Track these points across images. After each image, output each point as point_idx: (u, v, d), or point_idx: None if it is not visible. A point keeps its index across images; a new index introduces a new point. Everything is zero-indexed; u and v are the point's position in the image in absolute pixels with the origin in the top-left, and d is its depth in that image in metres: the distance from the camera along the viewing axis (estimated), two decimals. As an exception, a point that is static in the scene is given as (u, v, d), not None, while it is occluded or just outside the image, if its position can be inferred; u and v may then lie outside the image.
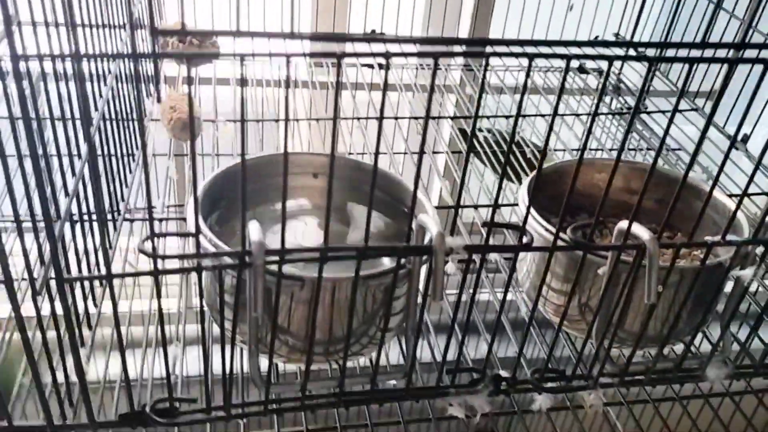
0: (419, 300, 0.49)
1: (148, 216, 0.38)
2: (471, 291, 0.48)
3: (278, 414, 0.52)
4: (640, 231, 0.47)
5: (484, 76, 0.42)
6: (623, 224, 0.48)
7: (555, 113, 0.40)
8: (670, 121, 0.44)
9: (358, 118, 0.89)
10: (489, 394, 0.53)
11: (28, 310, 0.40)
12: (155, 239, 0.39)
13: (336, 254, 0.42)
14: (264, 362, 0.48)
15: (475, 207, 0.76)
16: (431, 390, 0.52)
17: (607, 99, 1.04)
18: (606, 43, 0.42)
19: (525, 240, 0.45)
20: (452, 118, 1.00)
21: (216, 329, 0.53)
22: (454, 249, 0.43)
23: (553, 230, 0.47)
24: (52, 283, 0.41)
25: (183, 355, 0.56)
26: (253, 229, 0.41)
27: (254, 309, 0.41)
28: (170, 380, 0.46)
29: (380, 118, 0.38)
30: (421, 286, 0.47)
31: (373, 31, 1.14)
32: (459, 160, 0.95)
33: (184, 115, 0.79)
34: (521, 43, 0.37)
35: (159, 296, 0.41)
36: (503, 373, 0.54)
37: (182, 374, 0.55)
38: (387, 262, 0.60)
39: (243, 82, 0.35)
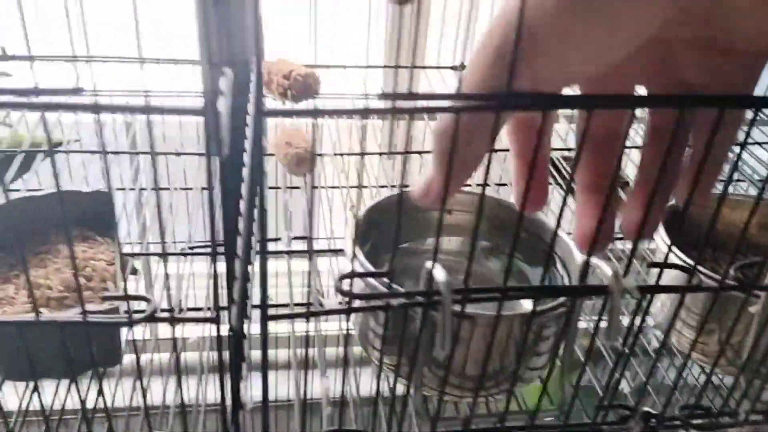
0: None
1: (350, 255, 0.39)
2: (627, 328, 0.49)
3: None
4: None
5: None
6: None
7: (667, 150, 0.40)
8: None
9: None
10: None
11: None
12: (350, 279, 0.41)
13: (516, 294, 0.44)
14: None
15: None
16: (586, 426, 0.53)
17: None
18: None
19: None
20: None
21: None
22: (629, 289, 0.44)
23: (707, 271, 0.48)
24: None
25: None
26: (438, 269, 0.43)
27: (442, 346, 0.42)
28: (343, 407, 0.47)
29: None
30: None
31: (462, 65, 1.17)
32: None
33: (300, 150, 0.82)
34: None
35: (348, 334, 0.43)
36: (653, 411, 0.54)
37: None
38: (526, 303, 0.61)
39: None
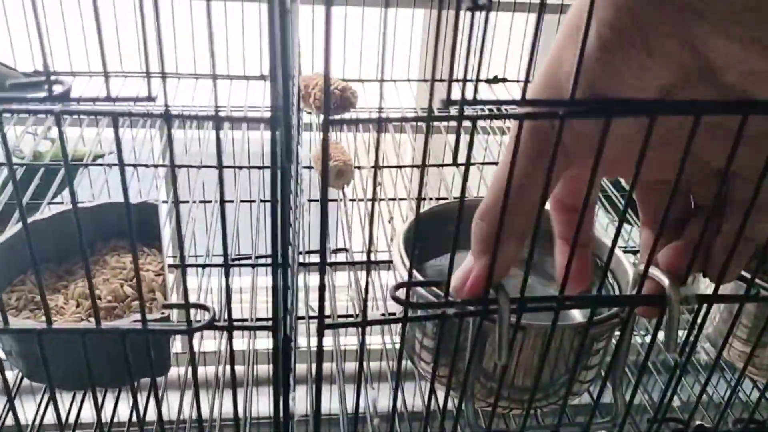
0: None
1: (408, 263, 0.39)
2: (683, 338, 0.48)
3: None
4: None
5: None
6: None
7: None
8: None
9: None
10: (692, 446, 0.53)
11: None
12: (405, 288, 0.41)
13: (571, 303, 0.43)
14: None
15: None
16: (639, 440, 0.52)
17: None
18: None
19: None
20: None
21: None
22: (688, 298, 0.43)
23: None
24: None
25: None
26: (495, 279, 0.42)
27: (499, 357, 0.42)
28: (394, 420, 0.47)
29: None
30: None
31: (496, 78, 1.16)
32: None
33: (339, 163, 0.82)
34: None
35: (402, 341, 0.42)
36: (705, 424, 0.53)
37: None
38: (577, 314, 0.60)
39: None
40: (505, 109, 0.34)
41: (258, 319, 0.77)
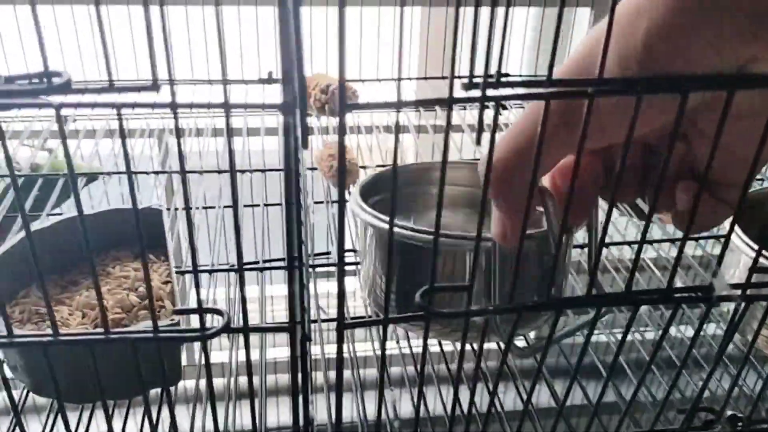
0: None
1: (432, 269, 0.37)
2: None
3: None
4: None
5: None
6: None
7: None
8: None
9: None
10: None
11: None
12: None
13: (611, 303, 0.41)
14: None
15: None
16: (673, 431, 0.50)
17: None
18: None
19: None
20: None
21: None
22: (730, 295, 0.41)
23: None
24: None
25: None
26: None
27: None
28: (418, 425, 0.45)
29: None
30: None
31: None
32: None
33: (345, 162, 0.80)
34: None
35: (425, 339, 0.40)
36: (739, 414, 0.51)
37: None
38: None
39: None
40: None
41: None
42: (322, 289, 0.83)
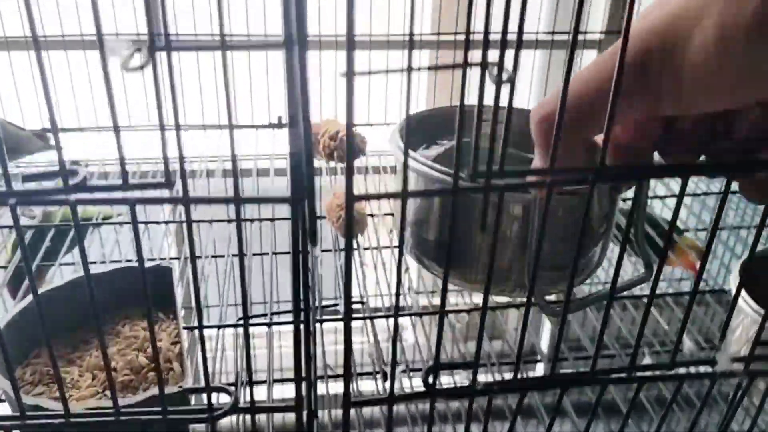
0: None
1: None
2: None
3: None
4: None
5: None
6: None
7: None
8: None
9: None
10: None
11: None
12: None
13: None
14: None
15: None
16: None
17: None
18: None
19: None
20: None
21: None
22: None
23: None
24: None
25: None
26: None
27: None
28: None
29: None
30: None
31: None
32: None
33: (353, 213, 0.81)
34: None
35: (431, 413, 0.41)
36: None
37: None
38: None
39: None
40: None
41: (278, 399, 0.75)
42: (329, 338, 0.84)
